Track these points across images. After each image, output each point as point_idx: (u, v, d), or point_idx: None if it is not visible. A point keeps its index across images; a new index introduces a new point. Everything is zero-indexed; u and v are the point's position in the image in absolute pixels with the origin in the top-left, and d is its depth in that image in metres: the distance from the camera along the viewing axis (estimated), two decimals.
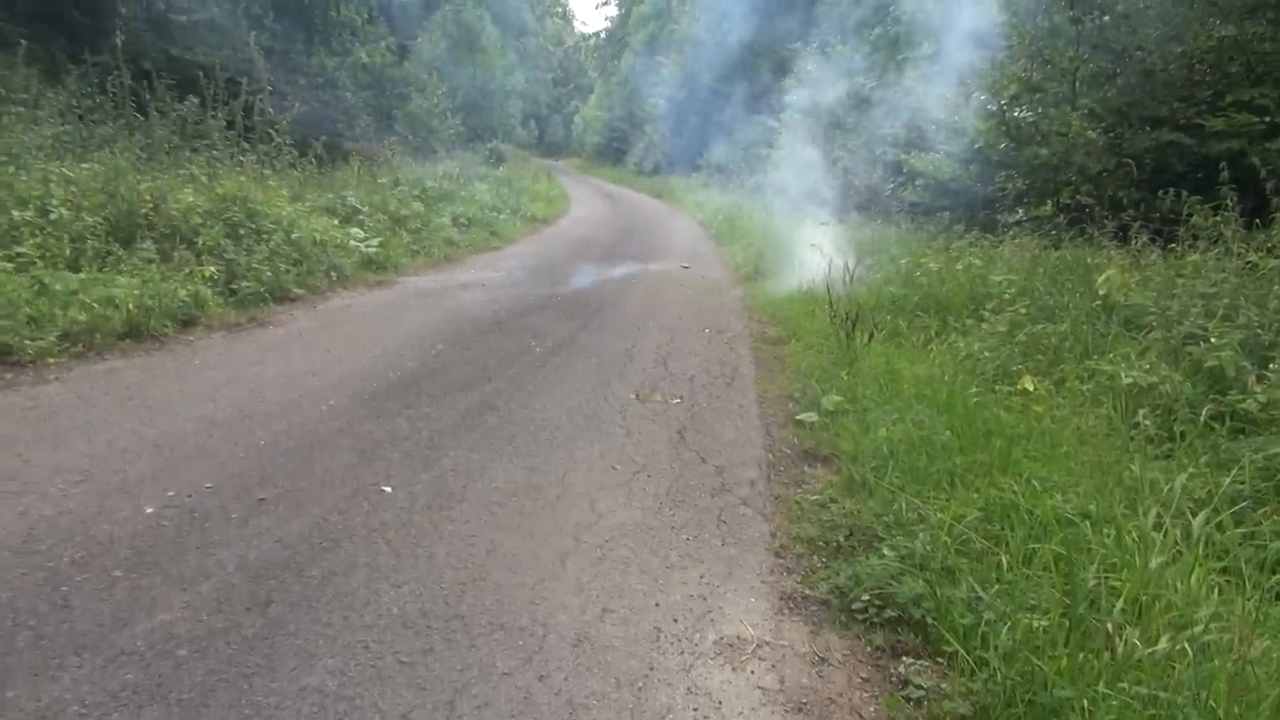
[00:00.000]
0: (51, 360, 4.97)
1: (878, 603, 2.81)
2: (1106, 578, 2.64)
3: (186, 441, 3.86)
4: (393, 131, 18.77)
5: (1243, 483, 3.52)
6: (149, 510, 3.11)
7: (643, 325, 7.69)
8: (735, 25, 25.22)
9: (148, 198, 7.26)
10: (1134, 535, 2.82)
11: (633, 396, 5.32)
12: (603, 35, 52.12)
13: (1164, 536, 2.91)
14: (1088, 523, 3.04)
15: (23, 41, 8.99)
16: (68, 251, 6.28)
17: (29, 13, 10.69)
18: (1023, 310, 6.06)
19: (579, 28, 62.85)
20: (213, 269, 6.86)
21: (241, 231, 7.76)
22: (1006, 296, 6.46)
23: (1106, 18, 10.59)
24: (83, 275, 6.00)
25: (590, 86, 56.88)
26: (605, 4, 50.37)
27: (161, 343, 5.70)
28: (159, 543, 2.88)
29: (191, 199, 7.61)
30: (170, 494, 3.26)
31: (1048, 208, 9.74)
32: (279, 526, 3.07)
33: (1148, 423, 4.18)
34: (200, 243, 7.22)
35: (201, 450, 3.76)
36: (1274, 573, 2.94)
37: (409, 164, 17.02)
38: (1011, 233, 9.65)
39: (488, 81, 30.39)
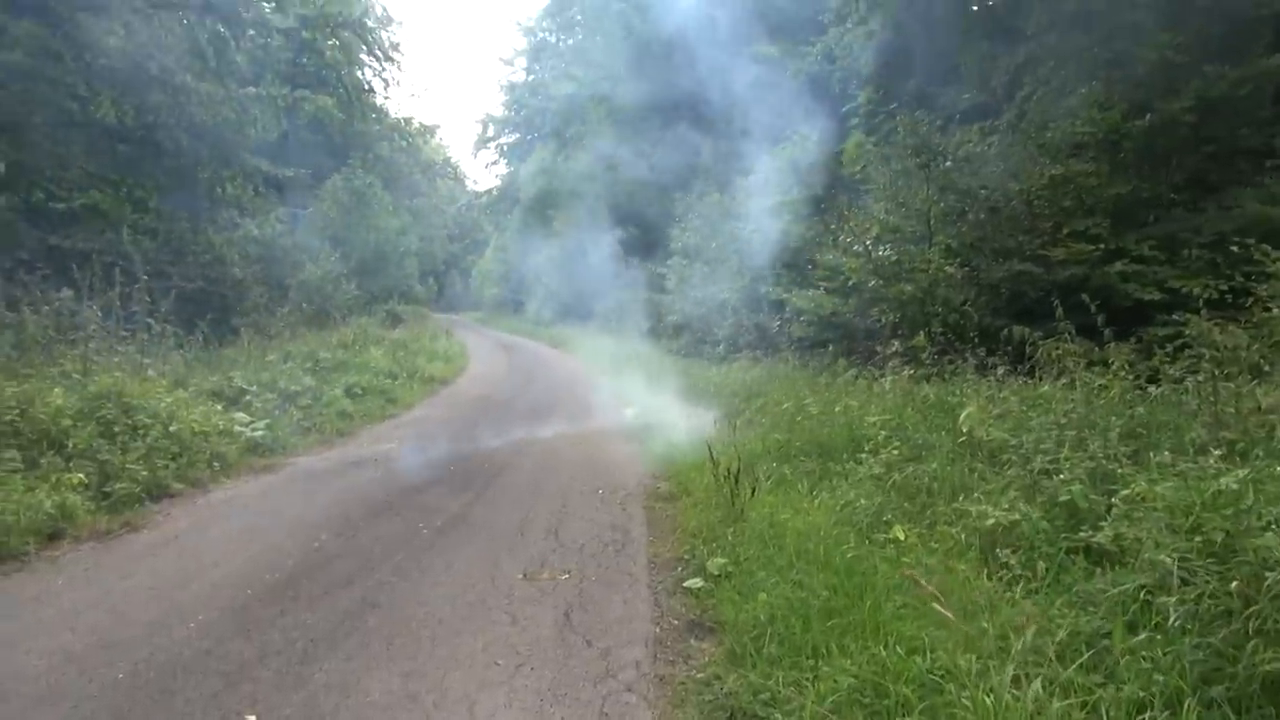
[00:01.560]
0: None
1: None
2: None
3: (37, 682, 3.65)
4: (286, 301, 18.73)
5: (1101, 618, 3.68)
6: None
7: (536, 491, 7.68)
8: (619, 179, 26.34)
9: (13, 403, 7.03)
10: (989, 699, 2.90)
11: (520, 576, 5.27)
12: (494, 192, 53.59)
13: (1024, 692, 3.00)
14: (952, 684, 3.12)
15: None
16: None
17: None
18: (896, 451, 6.31)
19: (471, 186, 64.54)
20: (82, 475, 6.59)
21: (116, 429, 7.52)
22: (881, 437, 6.71)
23: (949, 162, 11.47)
24: None
25: (486, 240, 58.11)
26: (495, 163, 51.95)
27: (23, 563, 5.41)
28: None
29: (61, 400, 7.39)
30: None
31: (921, 338, 10.23)
32: None
33: (1012, 561, 4.36)
34: (71, 445, 6.98)
35: (52, 692, 3.56)
36: (1137, 711, 3.03)
37: (303, 333, 16.95)
38: (891, 364, 10.07)
39: (382, 244, 30.79)
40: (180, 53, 15.03)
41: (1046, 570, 4.16)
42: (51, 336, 9.32)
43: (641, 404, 12.91)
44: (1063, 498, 4.70)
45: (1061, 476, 4.89)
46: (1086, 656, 3.26)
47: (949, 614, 3.45)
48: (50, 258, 11.82)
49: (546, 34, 44.10)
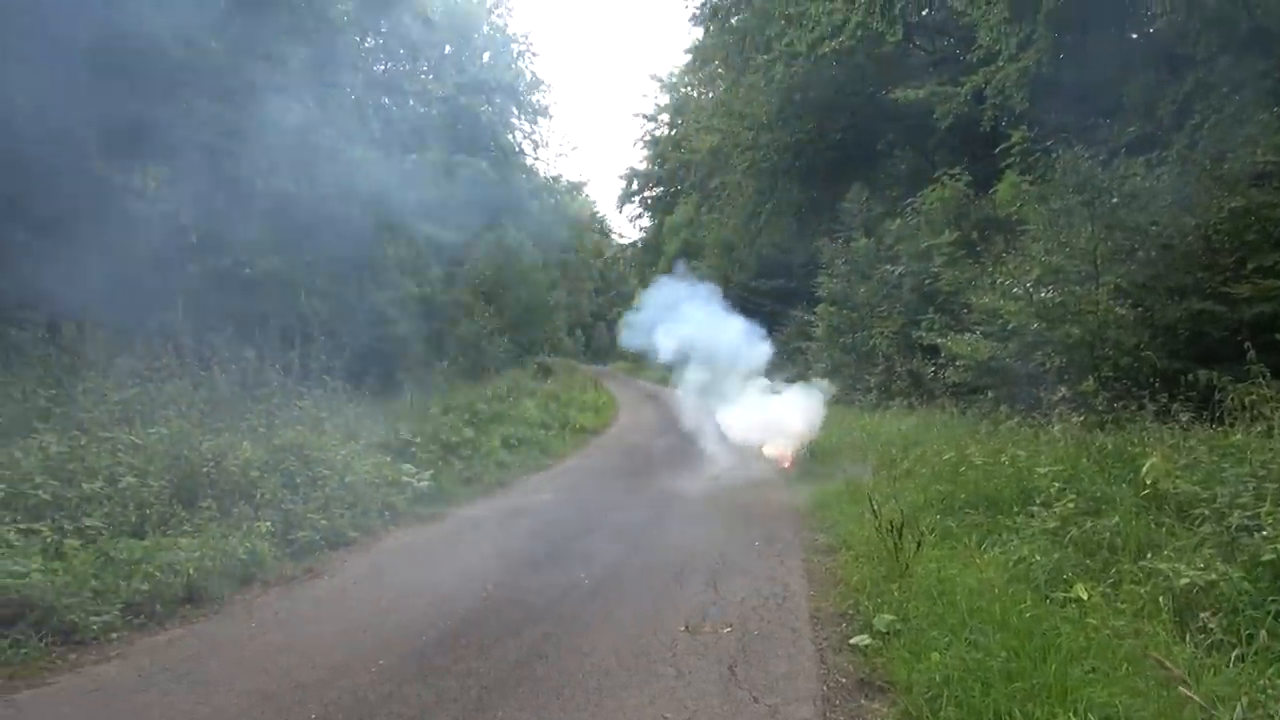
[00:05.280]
0: (114, 634, 5.09)
1: None
2: None
3: None
4: (444, 356, 19.53)
5: None
6: None
7: (691, 542, 7.66)
8: (762, 226, 26.38)
9: (209, 456, 7.60)
10: None
11: (682, 628, 5.26)
12: (639, 244, 54.54)
13: None
14: None
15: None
16: (133, 518, 6.54)
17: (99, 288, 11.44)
18: (1071, 504, 5.97)
19: (616, 239, 65.94)
20: (269, 523, 7.05)
21: (298, 480, 8.03)
22: (1053, 489, 6.38)
23: (1115, 199, 10.94)
24: (146, 542, 6.20)
25: (631, 292, 59.08)
26: (639, 217, 52.99)
27: (220, 605, 5.82)
28: None
29: (250, 453, 7.95)
30: None
31: (1090, 383, 9.70)
32: None
33: (1212, 625, 4.04)
34: (259, 495, 7.48)
35: None
36: None
37: (460, 386, 17.65)
38: (1058, 411, 9.59)
39: (532, 298, 31.79)
40: (348, 124, 16.12)
41: (1250, 636, 3.85)
42: (238, 394, 10.07)
43: (789, 451, 12.74)
44: (1267, 556, 4.34)
45: (1264, 533, 4.52)
46: None
47: (1196, 698, 3.21)
48: (234, 319, 12.79)
49: (689, 89, 44.88)
